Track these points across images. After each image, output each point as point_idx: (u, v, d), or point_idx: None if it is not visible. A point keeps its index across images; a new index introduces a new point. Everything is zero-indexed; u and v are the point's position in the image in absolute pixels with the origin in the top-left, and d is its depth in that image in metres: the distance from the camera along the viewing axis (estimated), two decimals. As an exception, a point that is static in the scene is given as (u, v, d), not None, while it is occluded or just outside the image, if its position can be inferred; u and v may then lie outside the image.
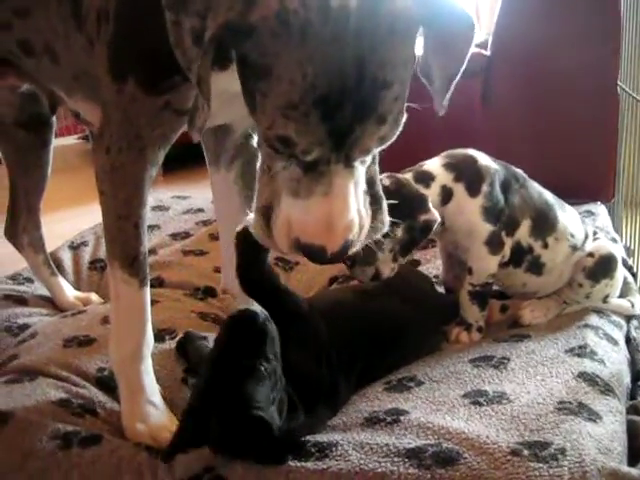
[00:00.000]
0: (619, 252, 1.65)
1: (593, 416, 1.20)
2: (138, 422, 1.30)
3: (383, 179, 1.33)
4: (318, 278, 1.92)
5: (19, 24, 1.37)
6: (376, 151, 1.03)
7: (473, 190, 1.48)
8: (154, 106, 1.20)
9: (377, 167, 1.10)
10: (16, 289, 1.95)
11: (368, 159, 1.03)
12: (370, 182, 1.06)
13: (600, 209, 2.22)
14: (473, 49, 1.03)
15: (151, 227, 2.35)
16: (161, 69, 1.16)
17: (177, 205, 2.54)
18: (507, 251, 1.52)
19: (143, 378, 1.32)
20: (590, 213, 2.14)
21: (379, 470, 1.11)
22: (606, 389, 1.29)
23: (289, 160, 1.00)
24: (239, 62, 0.99)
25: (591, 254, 1.58)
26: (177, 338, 1.54)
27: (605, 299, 1.59)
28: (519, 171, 1.57)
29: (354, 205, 1.00)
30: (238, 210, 1.60)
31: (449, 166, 1.50)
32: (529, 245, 1.54)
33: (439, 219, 1.42)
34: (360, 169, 1.02)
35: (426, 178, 1.48)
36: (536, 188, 1.57)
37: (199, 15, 0.99)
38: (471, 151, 1.54)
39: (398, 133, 0.99)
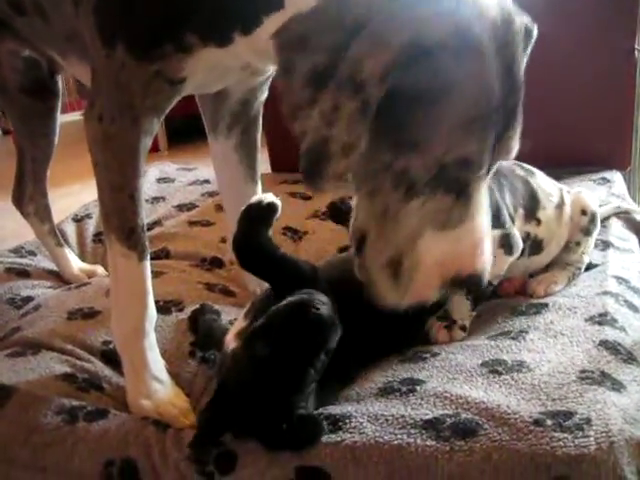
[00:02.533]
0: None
1: (617, 385, 1.15)
2: (143, 399, 1.26)
3: None
4: (328, 247, 1.88)
5: None
6: None
7: None
8: (145, 74, 1.15)
9: None
10: (19, 262, 1.92)
11: None
12: None
13: (616, 176, 2.16)
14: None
15: (156, 199, 2.34)
16: (151, 36, 1.12)
17: (182, 177, 2.51)
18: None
19: (147, 354, 1.28)
20: (606, 180, 2.09)
21: (395, 442, 1.07)
22: (629, 357, 1.24)
23: (432, 192, 0.94)
24: (390, 97, 0.89)
25: (584, 212, 1.57)
26: (184, 310, 1.50)
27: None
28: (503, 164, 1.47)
29: None
30: (240, 179, 1.57)
31: None
32: (526, 232, 1.48)
33: None
34: None
35: None
36: (515, 172, 1.53)
37: (328, 51, 0.91)
38: None
39: None
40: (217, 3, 1.07)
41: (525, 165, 1.56)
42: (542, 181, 1.56)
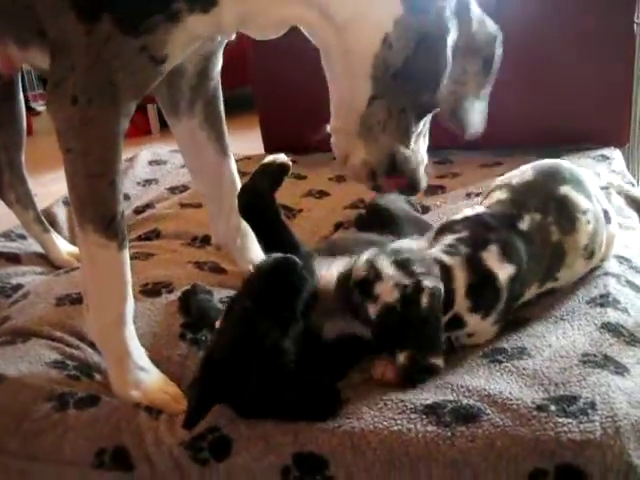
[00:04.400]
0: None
1: (620, 369, 1.12)
2: (131, 390, 1.23)
3: None
4: (322, 224, 1.86)
5: None
6: None
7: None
8: (130, 48, 1.11)
9: None
10: (8, 246, 1.89)
11: None
12: None
13: (615, 153, 2.14)
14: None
15: (149, 181, 2.32)
16: (142, 4, 1.09)
17: (174, 159, 2.47)
18: None
19: (129, 344, 1.25)
20: (605, 157, 2.07)
21: (394, 428, 1.05)
22: (632, 339, 1.21)
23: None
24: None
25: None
26: (174, 292, 1.47)
27: None
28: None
29: None
30: (211, 156, 1.53)
31: None
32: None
33: None
34: None
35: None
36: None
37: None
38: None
39: None
40: None
41: None
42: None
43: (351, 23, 1.13)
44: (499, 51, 1.22)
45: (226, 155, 1.55)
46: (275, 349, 1.08)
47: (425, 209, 1.88)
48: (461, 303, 1.21)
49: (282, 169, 1.26)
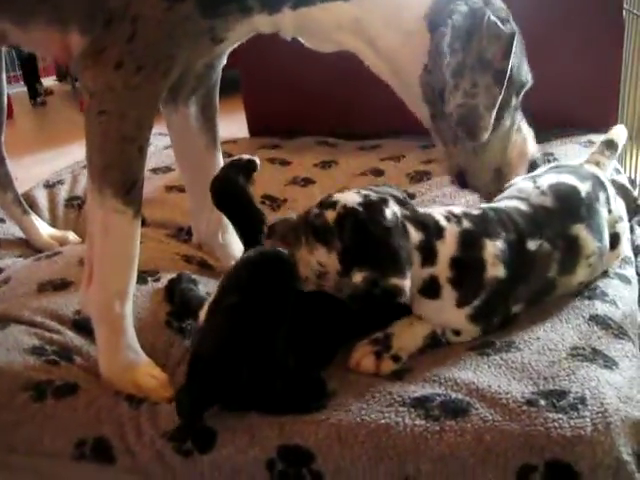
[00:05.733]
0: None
1: (609, 362, 1.11)
2: (119, 370, 1.21)
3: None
4: (305, 216, 1.83)
5: None
6: None
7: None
8: (201, 29, 1.20)
9: None
10: (-14, 229, 1.85)
11: None
12: None
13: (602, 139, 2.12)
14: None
15: (131, 163, 2.26)
16: None
17: (159, 141, 2.43)
18: None
19: (126, 321, 1.23)
20: (592, 143, 2.03)
21: (382, 421, 1.03)
22: (620, 332, 1.21)
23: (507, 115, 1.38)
24: None
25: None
26: (161, 280, 1.45)
27: None
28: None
29: None
30: (202, 148, 1.55)
31: None
32: None
33: None
34: None
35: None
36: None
37: (462, 50, 1.26)
38: None
39: None
40: None
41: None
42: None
43: (395, 53, 1.29)
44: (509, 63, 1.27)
45: (215, 148, 1.56)
46: (267, 346, 1.05)
47: (411, 196, 1.85)
48: (442, 269, 1.17)
49: (250, 164, 1.27)
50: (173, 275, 1.45)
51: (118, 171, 1.19)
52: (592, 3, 2.15)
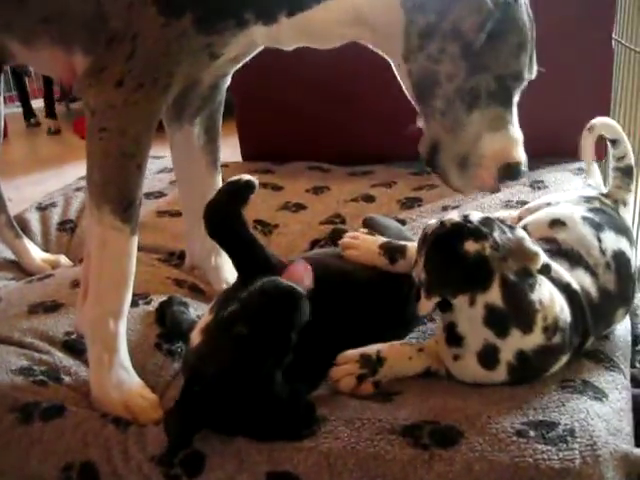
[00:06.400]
0: None
1: (599, 394, 1.12)
2: (111, 389, 1.21)
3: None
4: (299, 241, 1.84)
5: None
6: None
7: None
8: (199, 45, 1.21)
9: None
10: (-21, 251, 1.83)
11: None
12: None
13: (592, 167, 2.13)
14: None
15: (123, 187, 2.25)
16: (220, 11, 1.19)
17: (151, 165, 2.38)
18: None
19: (119, 339, 1.23)
20: (582, 171, 2.05)
21: (371, 450, 1.03)
22: (610, 365, 1.21)
23: (489, 103, 1.24)
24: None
25: None
26: (151, 303, 1.45)
27: None
28: None
29: None
30: (202, 168, 1.55)
31: None
32: None
33: None
34: None
35: None
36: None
37: (438, 13, 1.20)
38: None
39: None
40: None
41: None
42: None
43: (389, 28, 1.24)
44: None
45: (215, 170, 1.56)
46: (267, 380, 1.05)
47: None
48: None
49: (248, 186, 1.24)
50: (164, 298, 1.45)
51: (117, 188, 1.20)
52: (581, 33, 2.17)
